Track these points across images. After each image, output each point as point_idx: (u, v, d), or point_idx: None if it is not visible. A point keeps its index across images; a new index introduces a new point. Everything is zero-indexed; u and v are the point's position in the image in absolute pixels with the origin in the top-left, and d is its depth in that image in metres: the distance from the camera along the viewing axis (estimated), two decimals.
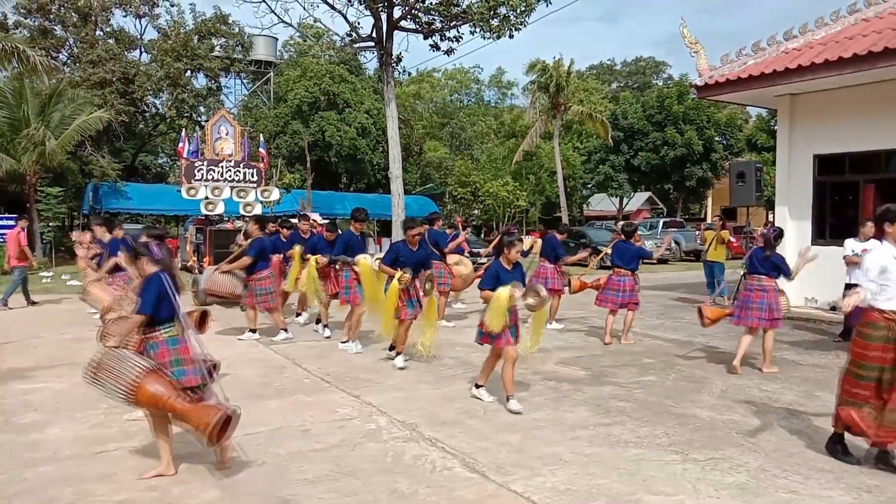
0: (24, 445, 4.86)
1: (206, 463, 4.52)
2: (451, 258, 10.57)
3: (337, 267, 8.60)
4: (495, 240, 12.70)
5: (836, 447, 4.75)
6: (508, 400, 5.80)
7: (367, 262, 7.84)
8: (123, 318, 4.83)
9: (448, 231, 11.29)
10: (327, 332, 9.22)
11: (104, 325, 5.05)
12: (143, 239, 4.94)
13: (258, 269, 8.66)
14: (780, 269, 7.46)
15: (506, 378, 5.80)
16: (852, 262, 8.90)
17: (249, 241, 8.81)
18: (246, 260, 8.62)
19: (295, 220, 11.20)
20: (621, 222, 9.34)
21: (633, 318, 9.07)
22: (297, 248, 9.57)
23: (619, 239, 9.31)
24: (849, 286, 9.03)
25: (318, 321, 9.56)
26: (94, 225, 10.66)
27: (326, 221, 11.21)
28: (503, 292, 5.59)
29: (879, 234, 4.74)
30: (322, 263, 8.88)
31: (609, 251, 9.54)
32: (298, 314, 10.58)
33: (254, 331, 8.97)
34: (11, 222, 19.31)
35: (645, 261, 9.73)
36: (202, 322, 5.05)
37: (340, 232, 9.15)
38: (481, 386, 6.12)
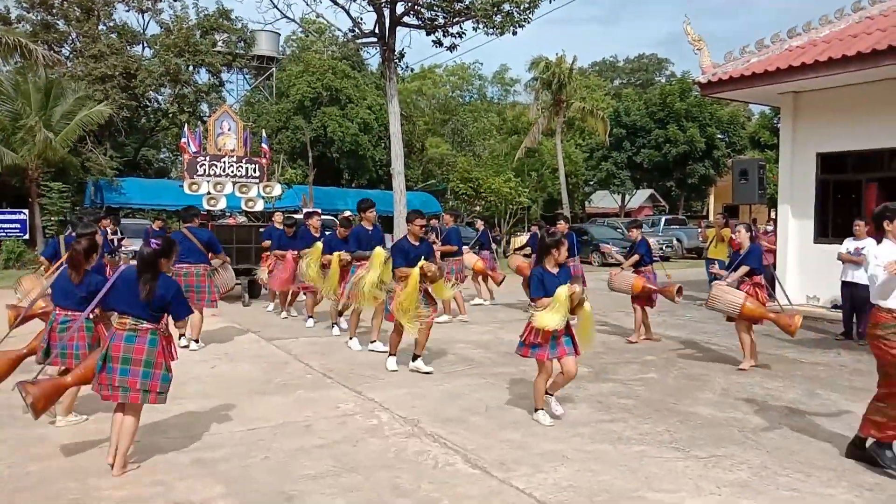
0: (29, 440, 4.88)
1: (212, 458, 4.55)
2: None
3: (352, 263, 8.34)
4: (522, 241, 12.49)
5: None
6: (537, 411, 5.38)
7: (382, 253, 7.46)
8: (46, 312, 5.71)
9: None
10: (310, 323, 9.70)
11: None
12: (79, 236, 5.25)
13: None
14: None
15: (556, 382, 5.41)
16: (848, 261, 8.89)
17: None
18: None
19: (298, 217, 11.10)
20: (741, 224, 7.88)
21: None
22: (319, 246, 9.07)
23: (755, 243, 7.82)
24: (845, 284, 9.04)
25: (339, 313, 9.20)
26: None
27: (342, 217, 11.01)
28: (562, 291, 5.09)
29: (879, 233, 4.54)
30: (345, 260, 8.46)
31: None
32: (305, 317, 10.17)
33: None
34: (14, 216, 19.30)
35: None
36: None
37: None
38: (540, 409, 5.42)
